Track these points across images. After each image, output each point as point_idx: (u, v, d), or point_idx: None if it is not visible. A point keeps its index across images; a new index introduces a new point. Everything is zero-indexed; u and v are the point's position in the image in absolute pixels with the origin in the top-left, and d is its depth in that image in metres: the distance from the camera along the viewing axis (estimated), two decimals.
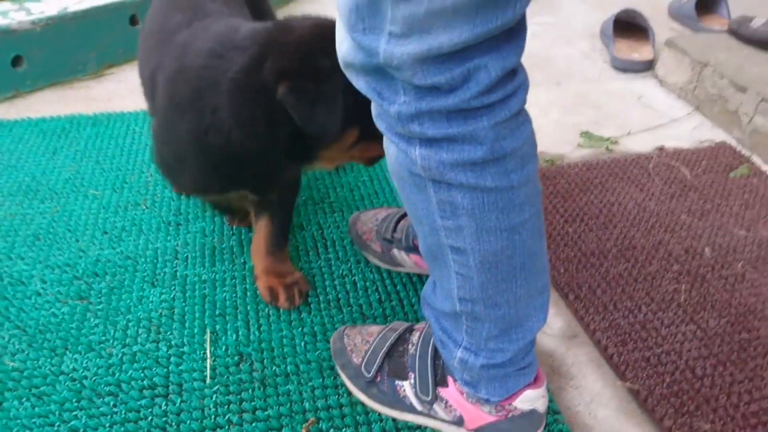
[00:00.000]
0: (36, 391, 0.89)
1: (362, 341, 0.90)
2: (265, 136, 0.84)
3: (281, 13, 2.17)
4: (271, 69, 0.81)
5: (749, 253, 1.21)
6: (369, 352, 0.87)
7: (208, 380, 0.92)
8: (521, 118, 0.66)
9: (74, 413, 0.86)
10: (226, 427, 0.85)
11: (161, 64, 0.93)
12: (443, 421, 0.83)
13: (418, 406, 0.84)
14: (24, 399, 0.88)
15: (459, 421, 0.82)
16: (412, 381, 0.84)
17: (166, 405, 0.88)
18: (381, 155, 0.84)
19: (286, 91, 0.79)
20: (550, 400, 0.89)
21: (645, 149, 1.56)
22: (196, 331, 1.00)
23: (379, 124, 0.68)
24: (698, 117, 1.72)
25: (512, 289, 0.70)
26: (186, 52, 0.87)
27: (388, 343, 0.87)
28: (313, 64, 0.81)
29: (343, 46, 0.64)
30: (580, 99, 1.81)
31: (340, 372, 0.91)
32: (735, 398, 0.92)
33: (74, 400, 0.88)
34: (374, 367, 0.85)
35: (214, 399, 0.89)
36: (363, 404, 0.88)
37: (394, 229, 1.09)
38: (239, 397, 0.89)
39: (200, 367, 0.94)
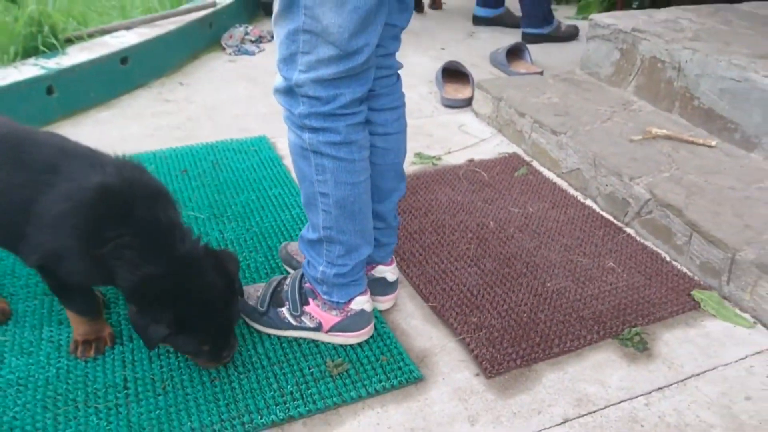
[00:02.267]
0: (25, 350, 1.28)
1: (254, 291, 1.37)
2: None
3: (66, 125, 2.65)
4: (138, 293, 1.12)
5: (519, 222, 1.80)
6: (260, 296, 1.34)
7: None
8: (363, 125, 1.18)
9: (59, 359, 1.26)
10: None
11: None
12: (309, 329, 1.31)
13: (293, 322, 1.31)
14: (18, 356, 1.27)
15: (318, 327, 1.31)
16: (288, 306, 1.32)
17: (123, 347, 1.30)
18: (202, 365, 1.24)
19: (133, 311, 1.13)
20: (381, 317, 1.40)
21: (460, 162, 2.16)
22: None
23: (288, 123, 1.18)
24: (500, 137, 2.36)
25: (353, 223, 1.22)
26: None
27: (272, 287, 1.34)
28: (159, 308, 1.11)
29: (276, 81, 1.15)
30: (417, 130, 2.39)
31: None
32: (495, 303, 1.48)
33: (56, 352, 1.28)
34: (266, 302, 1.32)
35: None
36: (256, 330, 1.34)
37: None
38: None
39: None
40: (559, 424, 1.19)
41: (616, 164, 1.87)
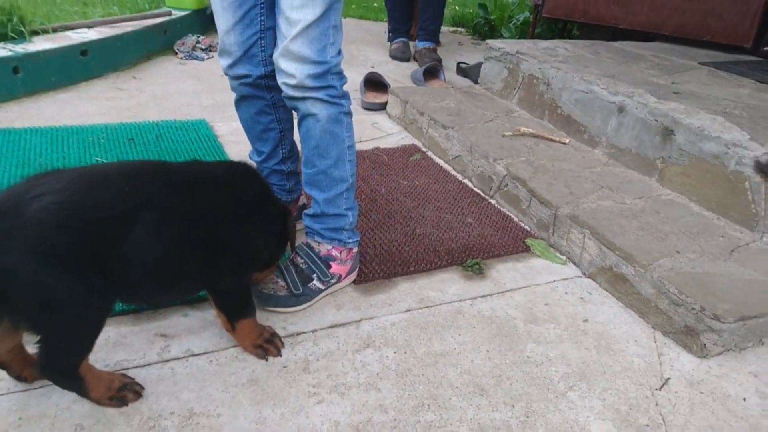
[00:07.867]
0: None
1: (274, 284, 1.55)
2: None
3: None
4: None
5: (405, 190, 2.24)
6: (289, 282, 1.55)
7: None
8: None
9: None
10: None
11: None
12: (333, 285, 1.60)
13: (322, 287, 1.60)
14: None
15: (339, 279, 1.62)
16: (316, 276, 1.56)
17: None
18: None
19: None
20: None
21: (367, 149, 2.59)
22: None
23: (325, 99, 1.44)
24: (405, 133, 2.82)
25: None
26: None
27: (293, 271, 1.57)
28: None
29: (306, 71, 1.40)
30: None
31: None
32: (373, 241, 1.89)
33: None
34: (298, 283, 1.54)
35: None
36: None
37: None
38: None
39: None
40: (403, 312, 1.60)
41: (486, 150, 2.34)
